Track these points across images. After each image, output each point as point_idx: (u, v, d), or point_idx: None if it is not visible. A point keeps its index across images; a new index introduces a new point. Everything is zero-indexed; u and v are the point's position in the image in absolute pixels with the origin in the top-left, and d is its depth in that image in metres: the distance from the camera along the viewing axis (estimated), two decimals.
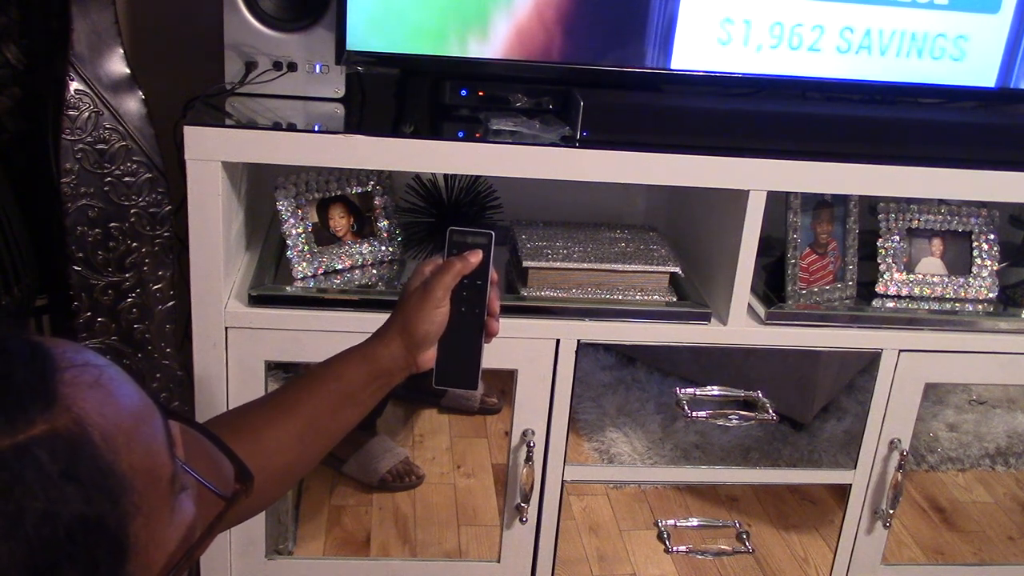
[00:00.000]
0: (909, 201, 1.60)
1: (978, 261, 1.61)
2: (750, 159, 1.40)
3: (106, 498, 0.55)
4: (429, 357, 1.03)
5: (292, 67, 1.46)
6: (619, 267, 1.51)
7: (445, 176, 1.65)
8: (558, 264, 1.50)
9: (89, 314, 1.41)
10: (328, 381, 1.00)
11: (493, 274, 1.04)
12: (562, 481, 1.55)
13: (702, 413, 1.55)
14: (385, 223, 1.55)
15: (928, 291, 1.60)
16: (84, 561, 0.54)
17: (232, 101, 1.44)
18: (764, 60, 1.51)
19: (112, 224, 1.39)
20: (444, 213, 1.64)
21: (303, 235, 1.48)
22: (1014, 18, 1.53)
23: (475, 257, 1.02)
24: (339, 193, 1.51)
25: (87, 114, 1.35)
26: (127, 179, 1.38)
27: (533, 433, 1.50)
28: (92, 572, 0.54)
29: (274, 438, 0.96)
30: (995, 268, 1.61)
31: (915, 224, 1.61)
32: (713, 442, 1.61)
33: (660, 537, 1.65)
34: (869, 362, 1.55)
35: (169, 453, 0.62)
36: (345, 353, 1.03)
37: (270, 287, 1.44)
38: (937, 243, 1.61)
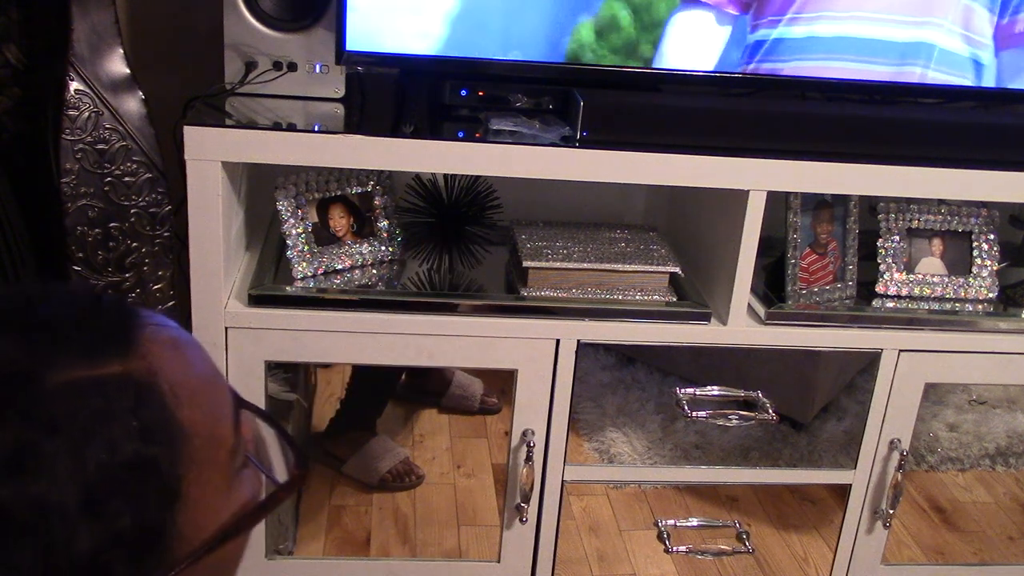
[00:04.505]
0: (909, 201, 1.60)
1: (978, 261, 1.61)
2: (750, 159, 1.40)
3: (164, 443, 0.58)
4: None
5: (292, 67, 1.46)
6: (619, 267, 1.51)
7: (445, 176, 1.65)
8: (558, 264, 1.50)
9: None
10: None
11: None
12: (562, 481, 1.55)
13: (702, 413, 1.55)
14: (385, 223, 1.55)
15: (928, 291, 1.60)
16: (135, 497, 0.56)
17: (232, 101, 1.44)
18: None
19: (112, 224, 1.39)
20: (444, 213, 1.64)
21: (303, 235, 1.48)
22: None
23: None
24: (339, 193, 1.51)
25: (87, 114, 1.35)
26: (127, 179, 1.38)
27: (533, 433, 1.50)
28: (142, 509, 0.57)
29: None
30: (995, 268, 1.61)
31: (915, 224, 1.60)
32: (713, 442, 1.61)
33: (660, 537, 1.65)
34: (869, 362, 1.55)
35: (233, 428, 0.64)
36: None
37: (270, 287, 1.44)
38: (937, 243, 1.61)
